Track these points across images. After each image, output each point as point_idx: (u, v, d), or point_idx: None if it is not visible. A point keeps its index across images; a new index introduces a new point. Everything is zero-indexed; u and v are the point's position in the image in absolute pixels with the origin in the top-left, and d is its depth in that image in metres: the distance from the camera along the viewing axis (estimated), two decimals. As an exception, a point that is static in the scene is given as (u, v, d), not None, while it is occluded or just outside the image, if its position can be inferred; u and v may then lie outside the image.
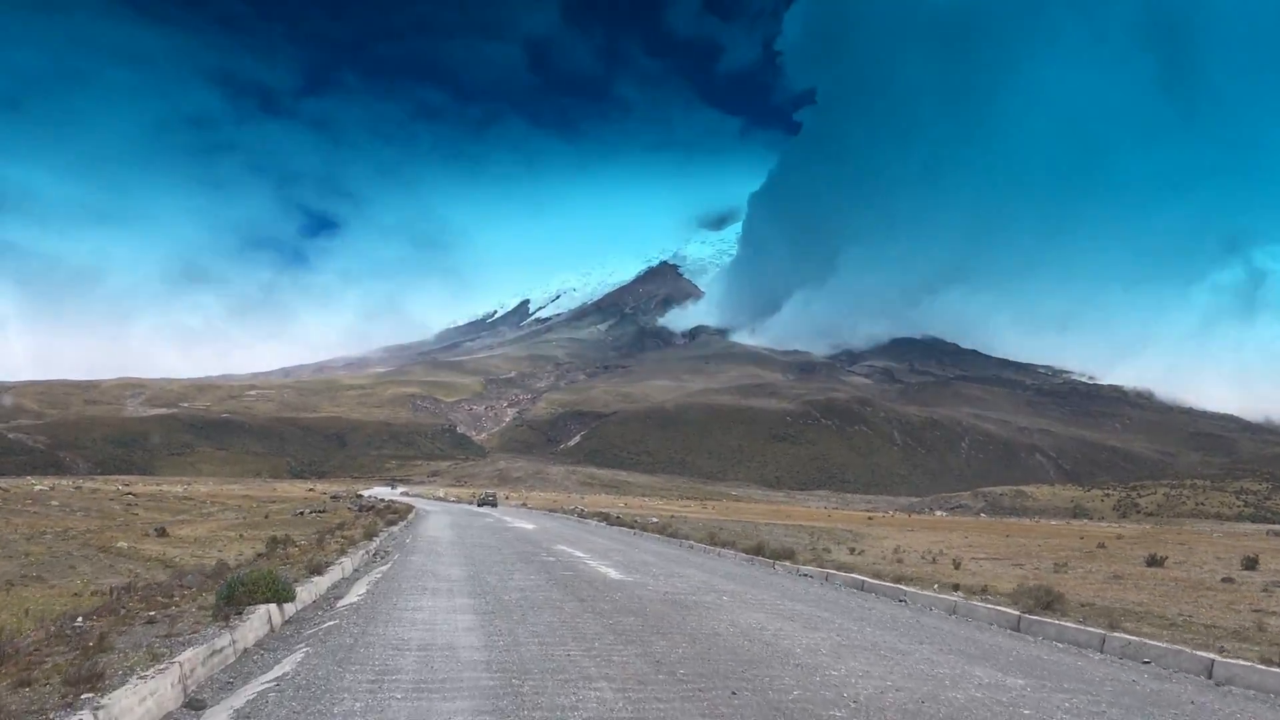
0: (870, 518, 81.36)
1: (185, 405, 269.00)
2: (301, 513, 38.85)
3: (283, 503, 48.78)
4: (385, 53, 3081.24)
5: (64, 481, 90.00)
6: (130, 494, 54.28)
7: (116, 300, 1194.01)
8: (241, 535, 27.69)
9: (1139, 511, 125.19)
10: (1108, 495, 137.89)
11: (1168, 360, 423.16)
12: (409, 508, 44.52)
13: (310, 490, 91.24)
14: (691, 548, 24.41)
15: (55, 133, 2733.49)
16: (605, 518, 42.25)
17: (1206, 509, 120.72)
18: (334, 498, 54.74)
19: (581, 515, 46.94)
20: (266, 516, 36.45)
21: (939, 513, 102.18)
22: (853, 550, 28.81)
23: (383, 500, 47.04)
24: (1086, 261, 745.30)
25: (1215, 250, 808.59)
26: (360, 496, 51.51)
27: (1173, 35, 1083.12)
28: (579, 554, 20.27)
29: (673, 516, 51.58)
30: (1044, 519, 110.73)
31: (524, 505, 71.62)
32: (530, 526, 33.37)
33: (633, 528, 34.17)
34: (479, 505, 67.39)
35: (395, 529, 26.76)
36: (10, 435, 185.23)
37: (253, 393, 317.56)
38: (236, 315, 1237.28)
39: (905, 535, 42.82)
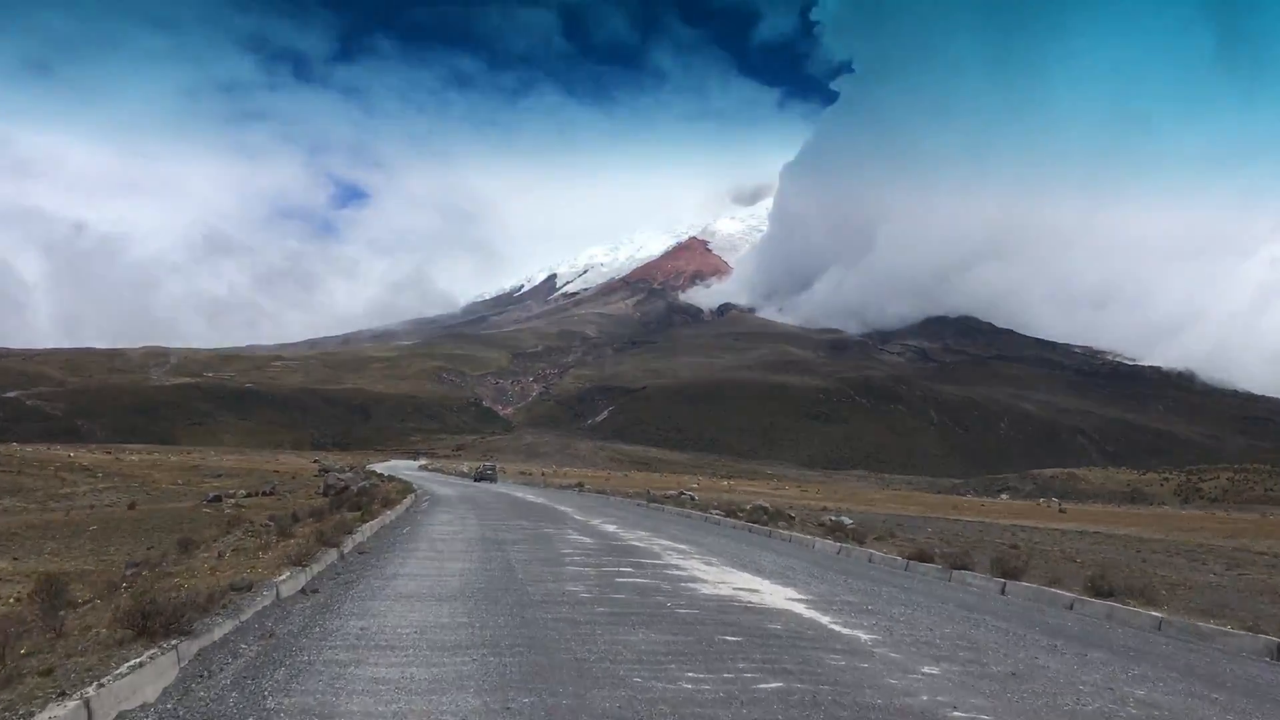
0: (1063, 510, 70.63)
1: (210, 375, 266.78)
2: (218, 498, 28.63)
3: (242, 477, 41.92)
4: (419, 19, 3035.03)
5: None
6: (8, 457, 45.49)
7: (143, 268, 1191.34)
8: None
9: (1201, 497, 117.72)
10: (1166, 479, 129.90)
11: (1211, 340, 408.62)
12: (406, 489, 33.09)
13: (315, 462, 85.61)
14: None
15: (84, 98, 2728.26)
16: (761, 514, 24.63)
17: (1276, 494, 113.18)
18: (321, 471, 47.34)
19: (709, 510, 28.78)
20: (132, 506, 27.21)
21: (1004, 495, 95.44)
22: None
23: (374, 477, 39.76)
24: (1128, 238, 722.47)
25: (1272, 224, 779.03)
26: (349, 471, 44.80)
27: (1232, 3, 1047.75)
28: None
29: (804, 503, 40.65)
30: (1100, 504, 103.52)
31: (579, 486, 52.86)
32: (703, 570, 13.61)
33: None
34: (476, 480, 60.24)
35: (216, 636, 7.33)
36: (29, 402, 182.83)
37: (278, 363, 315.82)
38: (264, 285, 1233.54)
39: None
